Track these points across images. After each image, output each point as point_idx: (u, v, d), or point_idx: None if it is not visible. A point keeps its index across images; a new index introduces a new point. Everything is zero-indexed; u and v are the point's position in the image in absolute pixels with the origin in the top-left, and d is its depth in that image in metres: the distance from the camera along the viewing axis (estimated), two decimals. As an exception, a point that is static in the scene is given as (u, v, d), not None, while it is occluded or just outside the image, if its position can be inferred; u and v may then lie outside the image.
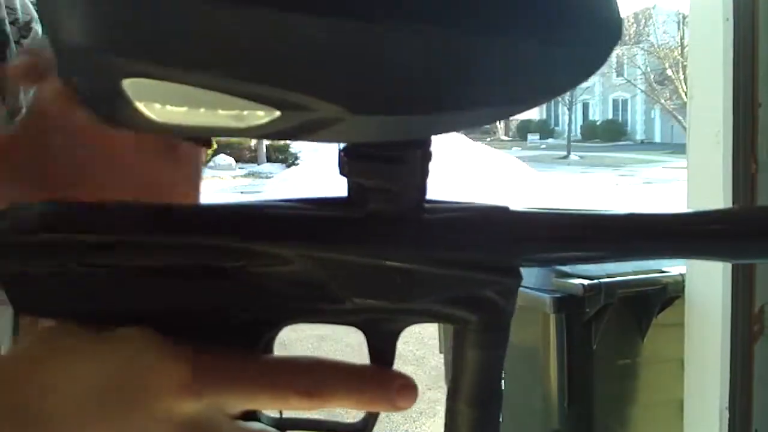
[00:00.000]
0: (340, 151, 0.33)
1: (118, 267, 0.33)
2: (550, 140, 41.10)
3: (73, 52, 0.28)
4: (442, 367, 2.86)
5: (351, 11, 0.25)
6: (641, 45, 31.50)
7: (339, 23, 0.25)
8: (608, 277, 2.29)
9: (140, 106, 0.28)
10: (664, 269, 2.40)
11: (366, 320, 0.35)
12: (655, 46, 27.34)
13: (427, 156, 0.33)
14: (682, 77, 22.35)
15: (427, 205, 0.34)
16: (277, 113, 0.27)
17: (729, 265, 1.87)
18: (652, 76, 28.85)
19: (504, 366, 0.36)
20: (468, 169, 16.51)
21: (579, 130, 42.36)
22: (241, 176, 18.79)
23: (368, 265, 0.34)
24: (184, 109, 0.27)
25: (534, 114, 46.34)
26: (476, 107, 0.29)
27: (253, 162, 20.21)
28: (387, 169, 0.32)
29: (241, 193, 14.56)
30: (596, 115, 43.85)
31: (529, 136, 42.40)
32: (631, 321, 2.37)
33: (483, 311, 0.35)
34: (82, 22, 0.26)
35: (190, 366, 0.32)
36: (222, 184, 16.82)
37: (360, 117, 0.27)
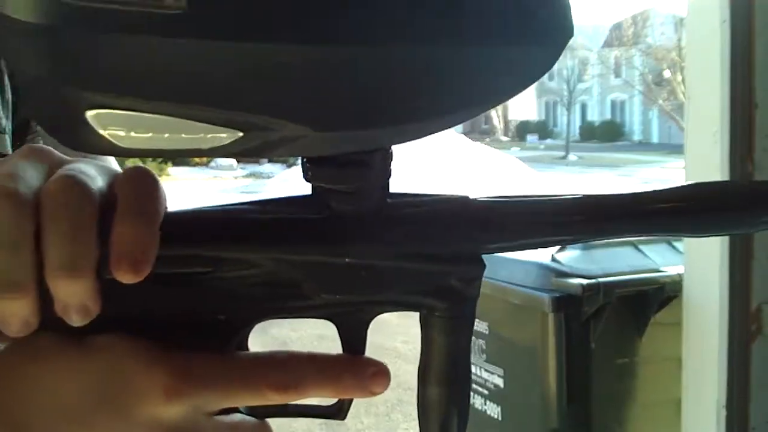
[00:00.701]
0: (302, 159, 0.34)
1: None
2: (548, 140, 41.07)
3: (35, 83, 0.28)
4: (442, 367, 2.85)
5: (310, 38, 0.26)
6: (639, 47, 31.50)
7: (299, 49, 0.26)
8: (606, 277, 2.30)
9: (105, 133, 0.28)
10: (662, 269, 2.42)
11: (336, 313, 0.36)
12: (653, 47, 27.34)
13: (388, 157, 0.34)
14: (679, 78, 22.35)
15: (389, 201, 0.36)
16: (240, 134, 0.28)
17: (726, 265, 1.88)
18: (649, 78, 28.84)
19: (470, 348, 0.38)
20: (468, 169, 16.49)
21: (577, 131, 42.33)
22: (242, 177, 18.76)
23: (334, 263, 0.35)
24: (148, 135, 0.28)
25: (533, 115, 46.33)
26: (434, 115, 0.30)
27: (254, 162, 20.18)
28: (349, 173, 0.33)
29: (242, 193, 14.53)
30: (594, 115, 43.82)
31: (528, 137, 42.37)
32: (629, 320, 2.38)
33: (447, 299, 0.36)
34: (44, 56, 0.27)
35: (169, 370, 0.33)
36: (223, 184, 16.80)
37: (321, 134, 0.29)
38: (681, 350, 2.04)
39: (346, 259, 0.35)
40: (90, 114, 0.28)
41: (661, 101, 27.36)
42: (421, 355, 0.38)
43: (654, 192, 0.37)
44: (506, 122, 45.67)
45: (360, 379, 0.36)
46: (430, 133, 0.31)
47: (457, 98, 0.30)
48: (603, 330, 2.31)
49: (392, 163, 0.35)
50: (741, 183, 0.38)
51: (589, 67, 39.85)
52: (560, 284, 2.28)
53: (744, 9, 1.82)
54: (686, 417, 2.03)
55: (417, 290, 0.36)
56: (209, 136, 0.28)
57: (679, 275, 2.22)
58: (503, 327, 2.51)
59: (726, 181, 0.38)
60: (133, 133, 0.28)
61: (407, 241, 0.35)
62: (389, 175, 0.35)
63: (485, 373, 2.58)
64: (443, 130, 0.31)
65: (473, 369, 2.56)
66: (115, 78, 0.27)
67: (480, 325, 2.56)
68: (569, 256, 2.44)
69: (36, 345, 0.33)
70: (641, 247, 2.55)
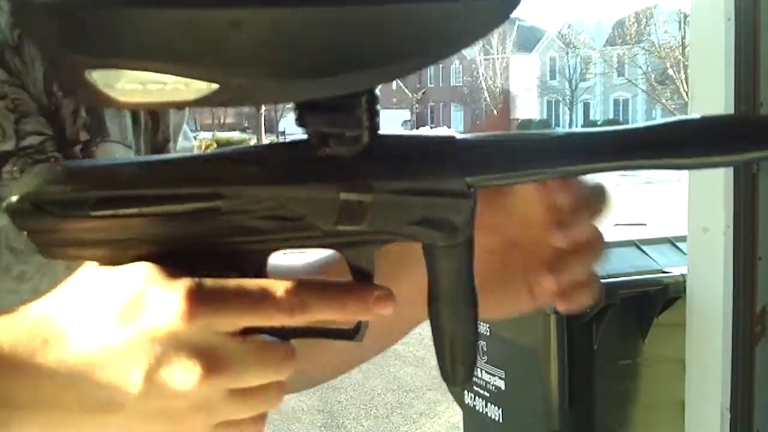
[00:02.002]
0: (295, 104, 0.38)
1: (123, 215, 0.39)
2: (551, 140, 41.01)
3: (41, 43, 0.34)
4: (443, 368, 2.84)
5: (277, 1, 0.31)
6: (642, 45, 31.51)
7: (268, 11, 0.31)
8: (609, 278, 2.28)
9: (104, 88, 0.34)
10: (665, 269, 2.40)
11: (342, 243, 0.41)
12: (656, 45, 27.35)
13: (373, 100, 0.38)
14: (683, 77, 22.36)
15: (378, 141, 0.39)
16: (216, 86, 0.33)
17: (731, 265, 1.86)
18: (653, 76, 28.86)
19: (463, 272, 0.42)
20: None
21: (580, 130, 42.31)
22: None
23: (330, 199, 0.39)
24: (139, 87, 0.34)
25: (535, 113, 46.39)
26: (397, 61, 0.34)
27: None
28: (338, 117, 0.38)
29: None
30: (597, 114, 43.84)
31: (530, 136, 42.32)
32: (632, 321, 2.37)
33: (443, 230, 0.40)
34: (48, 22, 0.33)
35: (185, 292, 0.37)
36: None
37: (288, 81, 0.34)
38: (684, 352, 2.02)
39: (341, 195, 0.38)
40: (90, 72, 0.33)
41: (664, 100, 27.36)
42: (428, 284, 0.42)
43: (634, 128, 0.41)
44: (507, 122, 45.69)
45: (364, 302, 0.40)
46: (397, 76, 0.36)
47: (416, 46, 0.34)
48: (605, 331, 2.30)
49: (378, 105, 0.39)
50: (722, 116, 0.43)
51: (591, 66, 39.86)
52: (562, 285, 2.26)
53: (749, 6, 1.80)
54: (690, 419, 2.01)
55: (413, 222, 0.40)
56: (189, 87, 0.33)
57: (683, 276, 2.20)
58: (504, 328, 2.49)
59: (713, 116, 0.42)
60: (126, 87, 0.33)
61: (396, 177, 0.39)
62: (377, 116, 0.39)
63: (486, 375, 2.56)
64: (407, 74, 0.35)
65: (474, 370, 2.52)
66: (112, 43, 0.32)
67: (481, 327, 2.54)
68: (571, 257, 2.41)
69: (83, 273, 0.40)
70: (644, 247, 2.54)
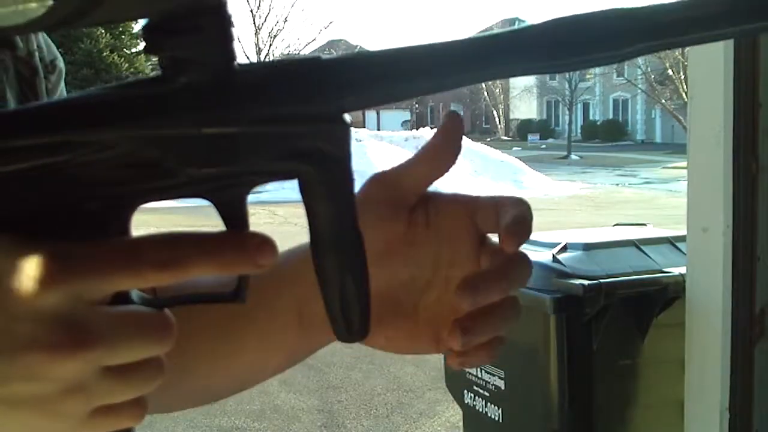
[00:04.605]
0: (141, 29, 0.35)
1: None
2: (550, 140, 41.08)
3: None
4: (442, 368, 2.85)
5: None
6: (642, 45, 31.39)
7: None
8: (608, 278, 2.29)
9: None
10: (664, 269, 2.40)
11: (210, 189, 0.37)
12: (656, 46, 27.21)
13: (226, 22, 0.35)
14: (682, 77, 22.35)
15: (238, 68, 0.36)
16: (50, 2, 0.31)
17: (730, 266, 1.86)
18: (652, 76, 28.84)
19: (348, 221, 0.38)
20: (468, 169, 16.49)
21: (579, 131, 42.35)
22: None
23: (189, 136, 0.35)
24: None
25: (534, 114, 46.34)
26: None
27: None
28: (187, 39, 0.34)
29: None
30: (597, 115, 43.83)
31: (530, 136, 42.37)
32: (631, 321, 2.37)
33: (317, 162, 0.36)
34: None
35: (40, 259, 0.33)
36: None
37: None
38: (684, 352, 2.02)
39: (202, 130, 0.35)
40: None
41: (663, 100, 27.35)
42: (309, 227, 0.38)
43: (506, 32, 0.38)
44: (507, 122, 45.68)
45: (243, 252, 0.36)
46: None
47: None
48: (605, 331, 2.30)
49: (233, 29, 0.35)
50: None
51: (591, 66, 39.79)
52: (561, 285, 2.27)
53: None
54: (689, 419, 2.01)
55: (283, 155, 0.36)
56: (21, 8, 0.31)
57: (682, 276, 2.20)
58: (504, 328, 2.49)
59: None
60: None
61: (260, 104, 0.36)
62: (232, 40, 0.35)
63: (486, 375, 2.56)
64: None
65: (474, 370, 2.53)
66: None
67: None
68: (570, 257, 2.42)
69: None
70: (644, 247, 2.54)
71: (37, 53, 0.58)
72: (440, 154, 0.47)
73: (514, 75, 0.39)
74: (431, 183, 0.48)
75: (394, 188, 0.48)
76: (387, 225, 0.48)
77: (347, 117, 0.37)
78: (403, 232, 0.48)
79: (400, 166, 0.48)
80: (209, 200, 0.37)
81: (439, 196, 0.49)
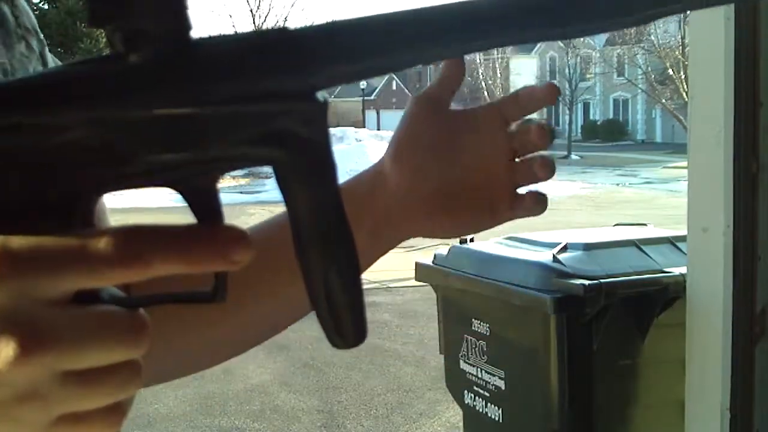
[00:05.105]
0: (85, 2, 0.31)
1: None
2: (550, 140, 41.02)
3: None
4: (442, 368, 2.85)
5: None
6: (642, 44, 31.47)
7: None
8: (609, 278, 2.28)
9: None
10: (665, 269, 2.40)
11: (176, 178, 0.34)
12: (656, 45, 27.31)
13: None
14: (683, 77, 22.34)
15: (199, 43, 0.32)
16: None
17: (731, 265, 1.86)
18: (652, 76, 28.83)
19: (339, 207, 0.34)
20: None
21: (579, 130, 42.35)
22: (241, 176, 18.78)
23: (143, 118, 0.32)
24: None
25: (534, 114, 46.30)
26: None
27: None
28: (135, 9, 0.31)
29: (240, 193, 14.56)
30: (597, 114, 43.82)
31: (530, 136, 42.32)
32: (631, 321, 2.36)
33: (291, 145, 0.33)
34: None
35: None
36: (221, 183, 16.78)
37: None
38: (684, 352, 2.02)
39: (154, 111, 0.31)
40: None
41: (664, 100, 27.34)
42: (290, 221, 0.34)
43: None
44: (508, 121, 45.63)
45: (213, 247, 0.32)
46: None
47: None
48: (605, 331, 2.30)
49: (184, 4, 0.32)
50: None
51: (591, 66, 39.84)
52: (562, 285, 2.26)
53: (749, 6, 1.80)
54: (690, 419, 2.01)
55: (252, 139, 0.32)
56: None
57: (683, 276, 2.19)
58: (504, 328, 2.49)
59: None
60: None
61: (220, 81, 0.32)
62: (184, 12, 0.32)
63: (486, 375, 2.56)
64: None
65: (474, 370, 2.53)
66: None
67: (481, 327, 2.54)
68: (571, 257, 2.42)
69: None
70: (644, 247, 2.54)
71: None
72: (453, 61, 0.60)
73: (512, 44, 0.35)
74: (458, 82, 0.59)
75: (432, 96, 0.60)
76: (434, 119, 0.59)
77: (321, 95, 0.33)
78: (447, 125, 0.59)
79: (431, 84, 0.60)
80: (176, 190, 0.34)
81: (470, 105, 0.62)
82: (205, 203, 0.34)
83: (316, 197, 0.34)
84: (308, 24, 0.34)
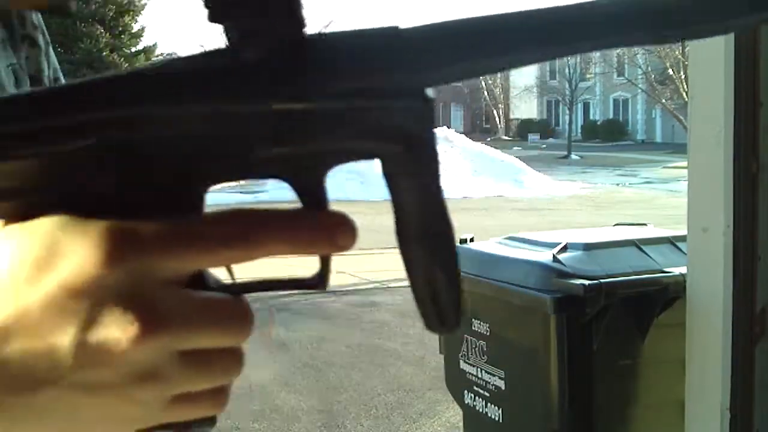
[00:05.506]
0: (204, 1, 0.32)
1: (18, 157, 0.33)
2: (550, 140, 41.08)
3: None
4: (442, 368, 2.85)
5: None
6: (642, 45, 31.38)
7: None
8: (609, 278, 2.28)
9: None
10: (665, 269, 2.40)
11: (287, 168, 0.35)
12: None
13: None
14: (683, 77, 22.34)
15: (312, 39, 0.33)
16: None
17: (731, 265, 1.86)
18: (653, 76, 28.83)
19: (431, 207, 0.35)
20: (468, 169, 16.49)
21: (579, 130, 42.35)
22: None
23: (260, 112, 0.33)
24: None
25: (534, 114, 46.34)
26: None
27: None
28: (253, 7, 0.32)
29: (240, 193, 14.54)
30: (597, 114, 43.82)
31: (530, 136, 42.39)
32: (631, 321, 2.37)
33: (399, 140, 0.34)
34: None
35: (107, 235, 0.32)
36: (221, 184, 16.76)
37: None
38: (684, 352, 2.02)
39: (272, 106, 0.33)
40: None
41: (664, 100, 27.35)
42: (394, 213, 0.35)
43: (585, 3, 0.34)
44: (507, 122, 45.68)
45: (321, 231, 0.34)
46: None
47: None
48: (605, 331, 2.30)
49: (299, 3, 0.32)
50: None
51: (591, 66, 39.84)
52: (562, 285, 2.26)
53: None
54: (689, 419, 2.01)
55: (361, 134, 0.33)
56: None
57: (683, 276, 2.19)
58: (504, 328, 2.49)
59: None
60: None
61: (334, 78, 0.33)
62: (300, 8, 0.32)
63: (486, 375, 2.56)
64: None
65: (474, 370, 2.53)
66: None
67: (481, 327, 2.54)
68: (571, 257, 2.42)
69: None
70: (644, 247, 2.54)
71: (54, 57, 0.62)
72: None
73: (608, 47, 0.35)
74: None
75: None
76: None
77: (430, 92, 0.34)
78: None
79: None
80: (284, 180, 0.35)
81: None
82: (312, 192, 0.35)
83: (423, 193, 0.34)
84: (418, 24, 0.35)
